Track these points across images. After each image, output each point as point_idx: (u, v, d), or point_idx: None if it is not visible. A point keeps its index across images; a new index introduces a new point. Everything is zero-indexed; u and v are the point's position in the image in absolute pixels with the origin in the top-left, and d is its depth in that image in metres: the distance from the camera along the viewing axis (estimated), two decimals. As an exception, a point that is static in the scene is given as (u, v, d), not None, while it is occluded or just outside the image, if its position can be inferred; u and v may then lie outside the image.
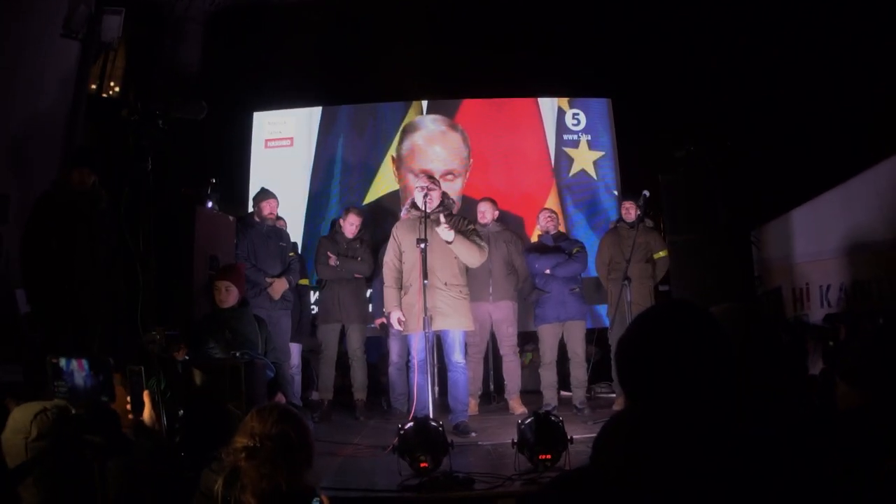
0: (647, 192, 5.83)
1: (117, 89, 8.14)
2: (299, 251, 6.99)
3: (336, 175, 8.04)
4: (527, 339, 7.07)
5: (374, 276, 6.25)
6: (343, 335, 6.27)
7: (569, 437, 3.83)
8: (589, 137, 8.05)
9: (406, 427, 3.98)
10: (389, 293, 5.21)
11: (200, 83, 7.94)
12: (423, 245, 4.84)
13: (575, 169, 7.99)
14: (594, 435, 1.33)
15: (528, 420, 4.00)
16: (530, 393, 6.37)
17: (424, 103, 8.19)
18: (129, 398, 2.59)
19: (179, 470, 2.63)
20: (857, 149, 6.17)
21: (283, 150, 8.10)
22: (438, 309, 4.96)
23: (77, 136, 6.22)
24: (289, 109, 8.22)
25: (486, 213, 6.23)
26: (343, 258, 6.19)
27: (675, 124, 7.32)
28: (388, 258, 5.26)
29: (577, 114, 8.11)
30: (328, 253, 6.19)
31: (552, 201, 7.80)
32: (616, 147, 8.00)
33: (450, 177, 7.80)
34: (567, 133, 8.07)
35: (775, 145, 7.03)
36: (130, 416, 2.58)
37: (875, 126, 6.12)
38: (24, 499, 2.49)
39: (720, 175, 6.43)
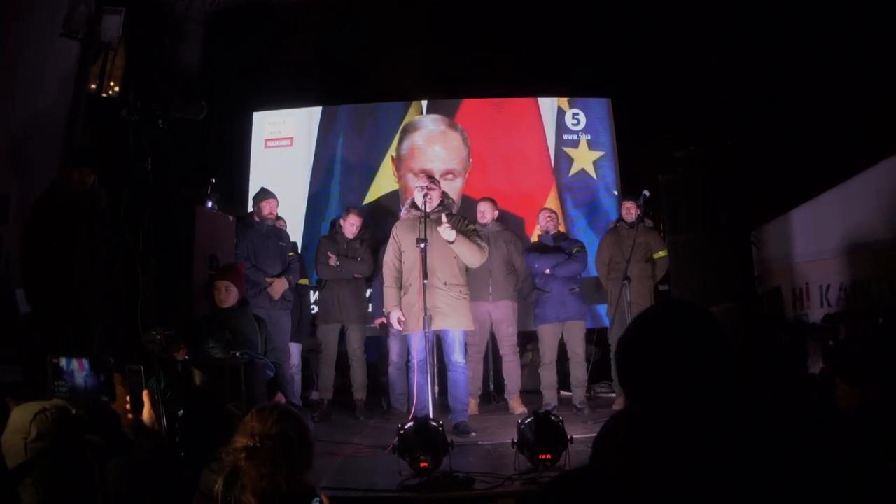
0: (646, 192, 5.83)
1: (117, 89, 8.15)
2: (299, 251, 6.98)
3: (336, 175, 8.04)
4: (528, 339, 7.07)
5: (373, 276, 6.25)
6: (343, 335, 6.27)
7: (569, 437, 3.83)
8: (589, 137, 8.05)
9: (406, 427, 3.98)
10: (389, 293, 5.21)
11: (200, 83, 7.94)
12: (422, 245, 4.84)
13: (575, 169, 7.99)
14: (594, 435, 1.33)
15: (528, 420, 4.00)
16: (530, 393, 6.37)
17: (424, 103, 8.19)
18: (128, 398, 2.59)
19: (179, 470, 2.64)
20: (857, 149, 6.17)
21: (282, 150, 8.10)
22: (438, 309, 4.96)
23: (77, 136, 6.22)
24: (289, 109, 8.22)
25: (485, 212, 6.23)
26: (343, 258, 6.19)
27: (675, 124, 7.33)
28: (388, 258, 5.26)
29: (577, 114, 8.11)
30: (328, 253, 6.19)
31: (552, 201, 7.79)
32: (616, 147, 8.00)
33: (450, 176, 7.80)
34: (567, 133, 8.07)
35: (775, 145, 7.03)
36: (130, 416, 2.57)
37: (875, 126, 6.13)
38: (23, 499, 2.49)
39: (720, 175, 6.43)
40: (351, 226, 6.28)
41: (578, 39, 8.01)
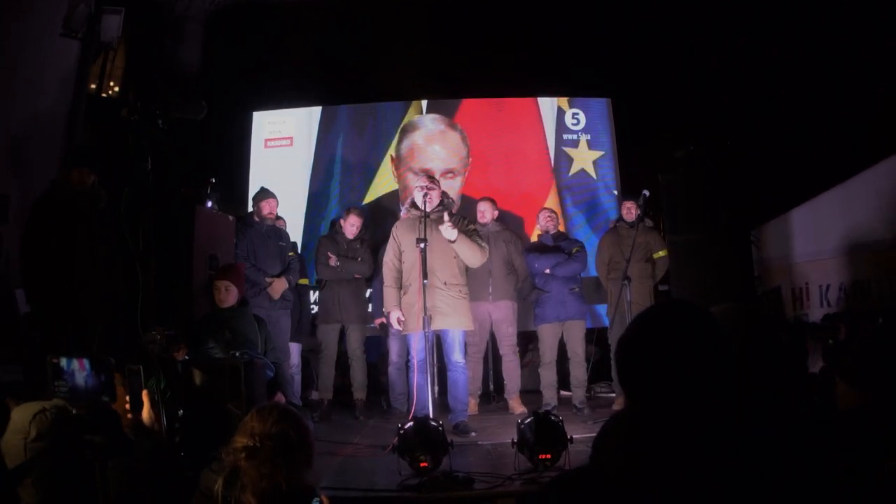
0: (646, 192, 5.83)
1: (117, 89, 8.14)
2: (299, 251, 6.98)
3: (336, 175, 8.04)
4: (530, 339, 7.06)
5: (373, 275, 6.25)
6: (343, 335, 6.27)
7: (568, 437, 3.83)
8: (589, 137, 8.05)
9: (406, 427, 3.98)
10: (389, 293, 5.21)
11: (200, 83, 7.94)
12: (422, 245, 4.84)
13: (575, 169, 7.99)
14: (594, 435, 1.33)
15: (528, 420, 4.00)
16: (530, 392, 6.37)
17: (424, 103, 8.19)
18: (127, 398, 2.59)
19: (179, 470, 2.64)
20: (857, 149, 6.18)
21: (282, 150, 8.10)
22: (438, 308, 4.96)
23: (77, 136, 6.21)
24: (288, 109, 8.22)
25: (485, 212, 6.22)
26: (343, 259, 6.19)
27: (675, 124, 7.33)
28: (388, 258, 5.26)
29: (577, 113, 8.11)
30: (328, 253, 6.19)
31: (552, 201, 7.79)
32: (616, 147, 8.00)
33: (450, 175, 7.80)
34: (567, 133, 8.06)
35: (775, 145, 7.04)
36: (129, 416, 2.57)
37: (874, 126, 6.13)
38: (23, 499, 2.49)
39: (720, 175, 6.44)
40: (351, 226, 6.28)
41: (578, 39, 8.01)
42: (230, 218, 5.94)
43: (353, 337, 6.23)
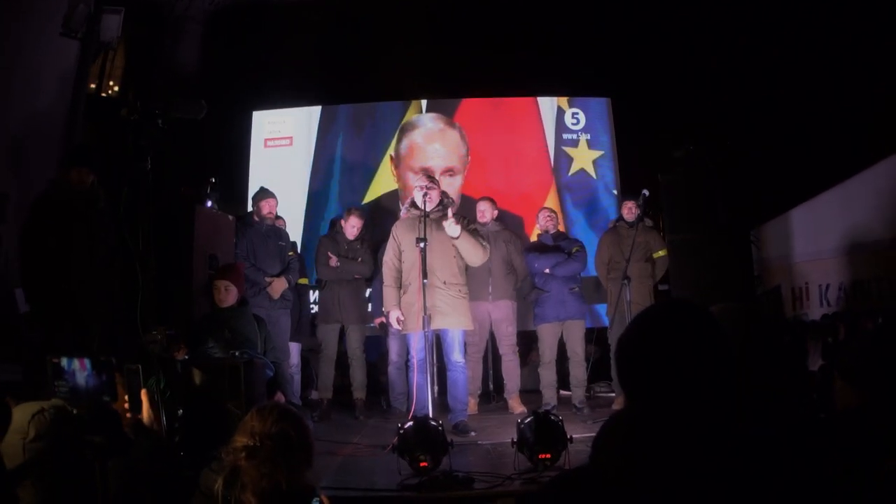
0: (646, 192, 5.83)
1: (116, 89, 8.14)
2: (298, 250, 6.98)
3: (335, 174, 8.04)
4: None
5: (373, 275, 6.25)
6: (343, 335, 6.27)
7: (568, 437, 3.83)
8: (588, 137, 8.05)
9: (405, 426, 3.97)
10: (388, 292, 5.21)
11: (200, 82, 7.93)
12: (422, 244, 4.84)
13: (574, 168, 7.99)
14: (593, 434, 1.33)
15: (528, 419, 4.00)
16: (530, 392, 6.37)
17: (424, 102, 8.19)
18: (126, 397, 2.58)
19: (179, 469, 2.63)
20: (856, 149, 6.18)
21: (282, 150, 8.10)
22: (438, 308, 4.96)
23: (76, 136, 6.20)
24: (288, 109, 8.22)
25: (485, 212, 6.22)
26: (343, 259, 6.18)
27: (675, 124, 7.33)
28: (388, 257, 5.26)
29: (577, 113, 8.11)
30: (329, 254, 6.18)
31: (551, 201, 7.80)
32: (615, 146, 8.00)
33: (449, 174, 7.80)
34: (566, 132, 8.07)
35: (775, 145, 7.04)
36: (129, 416, 2.57)
37: (874, 126, 6.13)
38: (22, 499, 2.49)
39: (720, 174, 6.44)
40: (352, 227, 6.27)
41: (578, 39, 8.01)
42: (230, 217, 5.94)
43: (352, 337, 6.23)
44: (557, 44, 8.04)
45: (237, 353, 4.33)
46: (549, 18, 8.10)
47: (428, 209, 5.02)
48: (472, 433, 5.05)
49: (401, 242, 5.18)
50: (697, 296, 5.94)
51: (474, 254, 5.09)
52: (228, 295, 4.70)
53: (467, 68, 8.05)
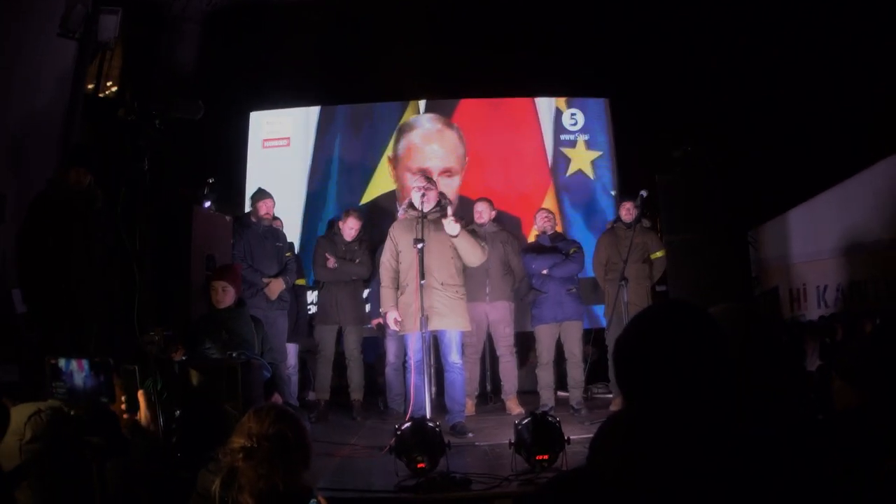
0: (644, 192, 5.82)
1: (114, 89, 8.12)
2: (296, 251, 6.97)
3: (333, 175, 8.03)
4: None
5: (371, 276, 6.24)
6: (340, 336, 6.26)
7: (566, 438, 3.83)
8: (586, 137, 8.04)
9: (403, 427, 3.97)
10: (386, 293, 5.21)
11: (197, 83, 7.92)
12: (419, 245, 4.84)
13: (572, 169, 7.98)
14: (591, 435, 1.33)
15: (525, 420, 4.00)
16: (527, 393, 6.37)
17: (422, 103, 8.18)
18: (123, 398, 2.58)
19: (176, 470, 2.62)
20: (854, 149, 6.19)
21: (280, 150, 8.09)
22: (435, 309, 4.96)
23: (74, 136, 6.19)
24: (286, 109, 8.21)
25: (482, 213, 6.22)
26: (341, 260, 6.18)
27: (673, 124, 7.33)
28: (385, 258, 5.26)
29: (575, 113, 8.10)
30: (327, 255, 6.18)
31: (549, 201, 7.79)
32: (614, 147, 7.99)
33: (447, 174, 7.79)
34: (564, 133, 8.06)
35: (773, 145, 7.05)
36: (126, 416, 2.57)
37: (872, 127, 6.14)
38: (19, 501, 2.48)
39: (718, 175, 6.43)
40: (350, 229, 6.26)
41: (577, 39, 8.01)
42: (227, 218, 5.93)
43: (350, 338, 6.23)
44: (556, 44, 8.03)
45: (234, 354, 4.32)
46: (548, 19, 8.10)
47: (425, 210, 5.02)
48: (470, 434, 5.05)
49: (398, 243, 5.18)
50: (695, 296, 5.94)
51: (473, 254, 5.09)
52: (226, 296, 4.68)
53: (466, 69, 8.04)
